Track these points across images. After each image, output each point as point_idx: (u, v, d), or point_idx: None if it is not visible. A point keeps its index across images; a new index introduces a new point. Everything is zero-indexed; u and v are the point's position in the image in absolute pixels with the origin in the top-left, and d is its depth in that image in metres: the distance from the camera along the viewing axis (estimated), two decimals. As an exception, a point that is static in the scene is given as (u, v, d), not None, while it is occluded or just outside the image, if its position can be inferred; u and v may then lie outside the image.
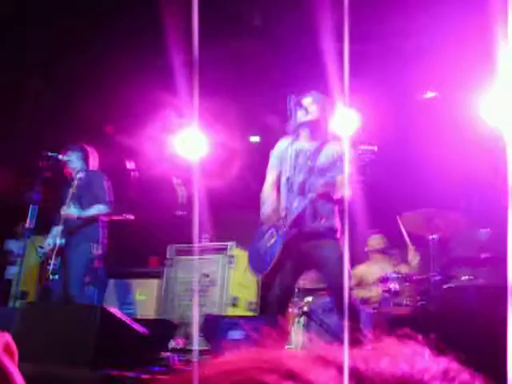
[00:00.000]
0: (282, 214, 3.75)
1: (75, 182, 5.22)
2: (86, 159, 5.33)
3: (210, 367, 0.49)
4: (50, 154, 5.11)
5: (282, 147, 3.99)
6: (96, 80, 5.97)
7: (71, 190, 5.17)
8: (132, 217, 5.46)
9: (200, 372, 0.48)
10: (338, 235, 3.74)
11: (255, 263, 3.87)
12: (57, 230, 5.09)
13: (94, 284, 5.20)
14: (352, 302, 3.81)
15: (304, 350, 0.53)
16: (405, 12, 5.06)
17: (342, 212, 3.80)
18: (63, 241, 4.98)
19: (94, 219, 5.16)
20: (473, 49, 4.89)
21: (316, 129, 3.91)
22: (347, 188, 3.64)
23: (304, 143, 3.92)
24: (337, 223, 3.77)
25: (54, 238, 5.06)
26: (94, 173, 5.33)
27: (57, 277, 4.93)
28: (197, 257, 5.81)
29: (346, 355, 0.43)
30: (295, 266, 3.76)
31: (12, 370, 0.73)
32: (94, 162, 5.39)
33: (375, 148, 3.61)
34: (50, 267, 4.93)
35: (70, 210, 5.04)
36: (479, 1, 3.64)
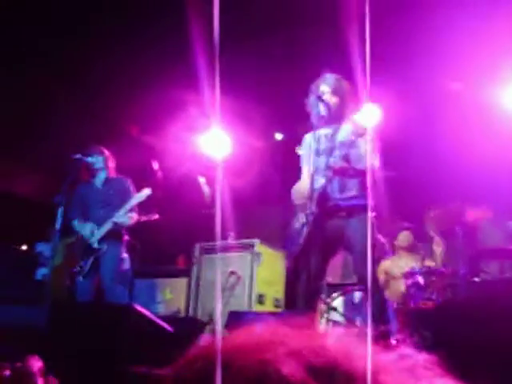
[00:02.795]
0: (310, 195, 3.65)
1: (103, 188, 5.31)
2: (106, 162, 5.43)
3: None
4: (77, 156, 5.18)
5: (307, 141, 4.02)
6: (120, 81, 6.03)
7: (99, 195, 5.26)
8: (157, 216, 5.50)
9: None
10: (368, 212, 3.58)
11: (288, 249, 3.80)
12: (90, 229, 5.16)
13: (123, 284, 5.27)
14: (381, 298, 3.71)
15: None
16: (429, 5, 5.00)
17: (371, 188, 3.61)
18: (103, 246, 5.09)
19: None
20: (499, 40, 4.82)
21: (335, 115, 3.91)
22: (369, 159, 3.52)
23: (324, 129, 3.94)
24: (366, 198, 3.57)
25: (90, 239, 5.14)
26: (122, 180, 5.42)
27: (86, 279, 5.03)
28: (222, 255, 5.83)
29: (369, 351, 0.43)
30: (322, 248, 3.65)
31: None
32: (112, 164, 5.48)
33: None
34: (79, 269, 5.03)
35: (116, 217, 5.12)
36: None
